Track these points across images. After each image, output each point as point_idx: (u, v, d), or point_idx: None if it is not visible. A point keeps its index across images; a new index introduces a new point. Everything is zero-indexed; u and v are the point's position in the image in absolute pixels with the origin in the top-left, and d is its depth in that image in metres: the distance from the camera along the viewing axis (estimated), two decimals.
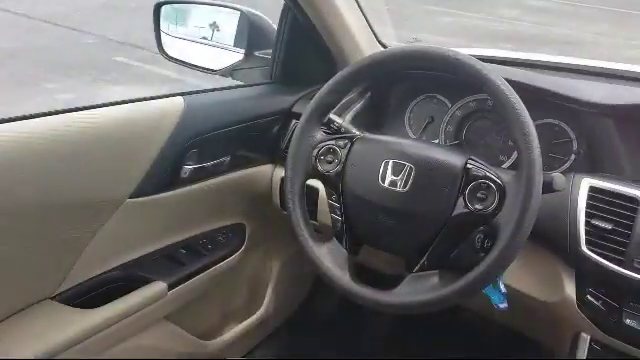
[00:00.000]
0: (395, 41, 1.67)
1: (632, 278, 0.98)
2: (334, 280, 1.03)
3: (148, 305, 1.26)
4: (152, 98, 1.22)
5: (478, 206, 0.96)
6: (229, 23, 1.51)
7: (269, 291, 1.69)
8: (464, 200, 0.97)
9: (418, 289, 0.98)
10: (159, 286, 1.27)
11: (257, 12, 1.48)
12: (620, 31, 7.32)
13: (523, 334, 1.38)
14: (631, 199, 1.01)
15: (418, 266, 1.00)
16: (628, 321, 1.01)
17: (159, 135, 1.19)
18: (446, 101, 1.37)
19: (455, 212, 0.97)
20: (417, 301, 0.96)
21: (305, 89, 1.46)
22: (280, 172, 1.43)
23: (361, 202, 1.06)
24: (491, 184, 0.96)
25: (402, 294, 0.98)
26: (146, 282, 1.27)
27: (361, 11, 1.40)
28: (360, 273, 1.06)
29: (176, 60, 1.57)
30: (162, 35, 1.56)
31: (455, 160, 1.00)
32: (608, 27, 7.62)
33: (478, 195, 0.96)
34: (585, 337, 1.09)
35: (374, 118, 1.43)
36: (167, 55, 1.57)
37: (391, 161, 1.03)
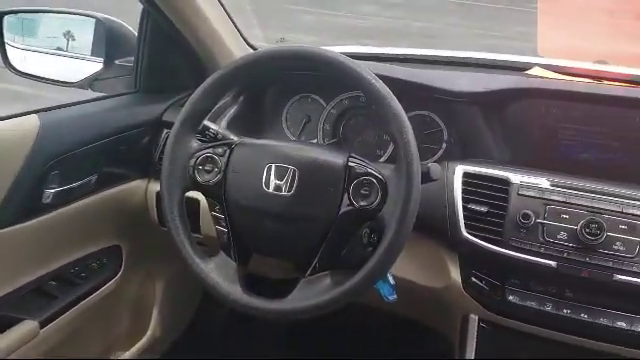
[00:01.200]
0: (263, 42, 1.64)
1: (511, 256, 1.03)
2: (224, 295, 0.99)
3: (18, 347, 1.13)
4: (1, 118, 1.10)
5: (363, 203, 0.96)
6: (85, 31, 1.41)
7: (155, 314, 1.60)
8: (349, 198, 0.97)
9: (310, 293, 0.96)
10: (29, 325, 1.15)
11: (114, 18, 1.39)
12: (469, 22, 7.86)
13: (413, 321, 1.42)
14: (502, 181, 1.07)
15: (310, 269, 0.98)
16: (511, 298, 1.06)
17: (12, 159, 1.07)
18: (321, 100, 1.37)
19: (341, 211, 0.97)
20: (310, 305, 0.94)
21: (174, 96, 1.39)
22: (155, 186, 1.35)
23: (246, 210, 1.02)
24: (373, 180, 0.96)
25: (295, 300, 0.96)
26: (14, 322, 1.14)
27: (227, 13, 1.36)
28: (253, 283, 1.02)
29: (27, 75, 1.43)
30: (8, 48, 1.41)
31: (337, 159, 0.99)
32: (457, 19, 8.14)
33: (362, 192, 0.97)
34: (474, 318, 1.14)
35: (251, 122, 1.39)
36: (15, 70, 1.43)
37: (274, 165, 1.00)
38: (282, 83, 1.38)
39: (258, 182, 1.00)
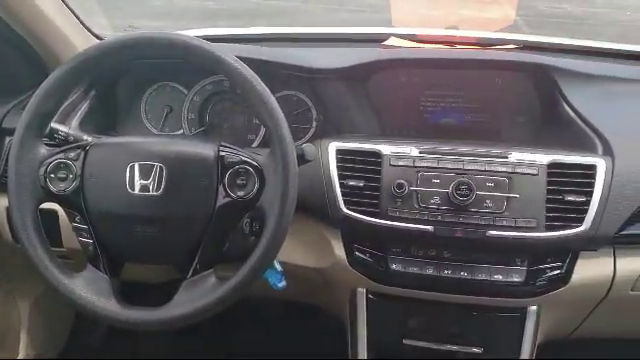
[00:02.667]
0: (110, 31, 1.51)
1: (390, 226, 1.04)
2: (98, 312, 0.90)
3: None
4: None
5: (240, 193, 0.92)
6: None
7: (23, 338, 1.45)
8: (225, 190, 0.92)
9: (196, 295, 0.91)
10: None
11: None
12: None
13: (304, 304, 1.41)
14: (374, 154, 1.07)
15: (191, 270, 0.92)
16: (394, 266, 1.08)
17: None
18: (181, 88, 1.29)
19: (218, 204, 0.92)
20: (197, 308, 0.89)
21: (12, 99, 1.24)
22: (3, 201, 1.20)
23: (111, 217, 0.93)
24: (249, 168, 0.92)
25: (179, 305, 0.90)
26: None
27: (66, 4, 1.22)
28: (132, 293, 0.94)
29: None
30: None
31: (206, 150, 0.94)
32: None
33: (238, 182, 0.92)
34: (361, 291, 1.15)
35: (107, 119, 1.28)
36: None
37: (137, 164, 0.92)
38: (136, 73, 1.28)
39: (121, 184, 0.92)
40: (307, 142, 1.17)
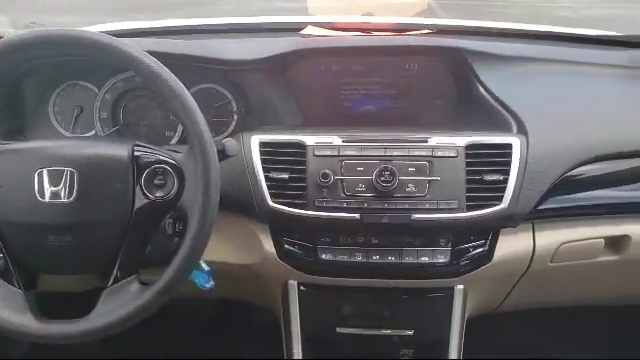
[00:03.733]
0: (11, 29, 1.42)
1: (317, 217, 1.04)
2: (13, 330, 0.85)
3: None
4: None
5: (159, 193, 0.89)
6: None
7: None
8: (142, 191, 0.89)
9: (118, 303, 0.87)
10: None
11: None
12: None
13: (236, 302, 1.39)
14: (298, 145, 1.06)
15: (112, 278, 0.88)
16: (324, 256, 1.08)
17: None
18: (91, 86, 1.23)
19: (136, 207, 0.89)
20: (120, 317, 0.86)
21: None
22: None
23: (22, 227, 0.88)
24: (166, 167, 0.89)
25: (101, 315, 0.87)
26: None
27: None
28: (50, 305, 0.89)
29: None
30: None
31: (120, 150, 0.90)
32: None
33: (156, 182, 0.89)
34: (293, 283, 1.14)
35: (11, 124, 1.20)
36: None
37: (46, 170, 0.87)
38: (41, 73, 1.20)
39: (30, 192, 0.86)
40: (229, 136, 1.15)
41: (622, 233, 1.15)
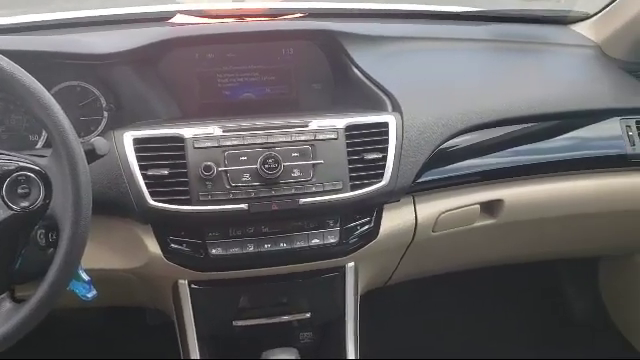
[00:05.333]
0: None
1: (203, 211, 1.01)
2: None
3: None
4: None
5: (24, 203, 0.82)
6: None
7: None
8: (4, 202, 0.81)
9: None
10: None
11: None
12: None
13: (127, 308, 1.33)
14: (176, 138, 1.02)
15: None
16: (214, 251, 1.05)
17: None
18: None
19: None
20: None
21: None
22: None
23: None
24: (30, 174, 0.82)
25: None
26: None
27: None
28: None
29: None
30: None
31: None
32: None
33: (19, 191, 0.82)
34: (183, 283, 1.11)
35: None
36: None
37: None
38: None
39: None
40: (100, 135, 1.08)
41: (496, 198, 1.23)
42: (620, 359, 1.66)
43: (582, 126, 1.28)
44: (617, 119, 1.27)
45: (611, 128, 1.27)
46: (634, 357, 1.62)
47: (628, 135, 1.26)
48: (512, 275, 1.73)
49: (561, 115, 1.24)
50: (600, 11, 1.45)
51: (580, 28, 1.49)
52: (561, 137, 1.27)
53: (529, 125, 1.24)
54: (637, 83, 1.33)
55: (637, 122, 1.27)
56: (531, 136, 1.25)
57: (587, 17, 1.49)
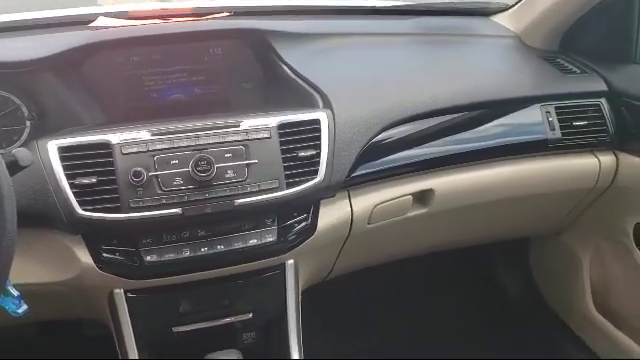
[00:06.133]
0: None
1: (136, 218, 0.99)
2: None
3: None
4: None
5: None
6: None
7: None
8: None
9: None
10: None
11: None
12: None
13: (62, 322, 1.29)
14: (103, 145, 1.00)
15: None
16: (149, 258, 1.03)
17: None
18: None
19: None
20: None
21: None
22: None
23: None
24: None
25: None
26: None
27: None
28: None
29: None
30: None
31: None
32: None
33: None
34: (119, 292, 1.08)
35: None
36: None
37: None
38: None
39: None
40: (23, 145, 1.05)
41: (427, 188, 1.26)
42: (554, 337, 1.74)
43: (506, 114, 1.32)
44: (537, 106, 1.32)
45: (533, 115, 1.32)
46: (569, 335, 1.70)
47: (548, 121, 1.32)
48: (448, 261, 1.79)
49: (485, 104, 1.28)
50: (518, 2, 1.51)
51: (500, 19, 1.55)
52: (486, 126, 1.31)
53: (456, 115, 1.28)
54: (554, 70, 1.40)
55: (556, 108, 1.33)
56: (458, 126, 1.28)
57: (507, 8, 1.55)
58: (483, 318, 1.89)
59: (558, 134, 1.32)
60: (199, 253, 1.05)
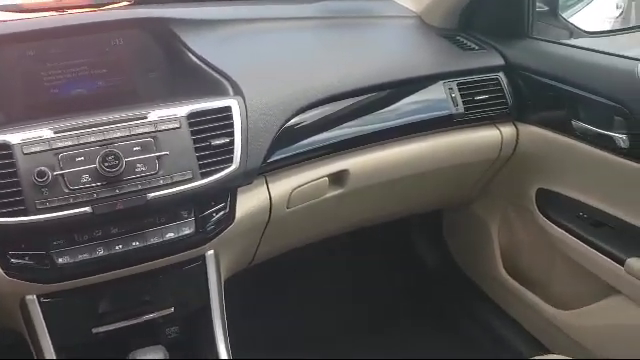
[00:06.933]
0: None
1: (43, 220, 0.94)
2: None
3: None
4: None
5: None
6: None
7: None
8: None
9: None
10: None
11: None
12: None
13: None
14: (2, 146, 0.95)
15: None
16: (61, 260, 0.99)
17: None
18: None
19: None
20: None
21: None
22: None
23: None
24: None
25: None
26: None
27: None
28: None
29: None
30: None
31: None
32: None
33: None
34: (31, 298, 1.03)
35: None
36: None
37: None
38: None
39: None
40: None
41: (342, 169, 1.29)
42: (470, 302, 1.84)
43: (411, 93, 1.37)
44: (440, 83, 1.37)
45: (437, 92, 1.37)
46: (483, 298, 1.79)
47: (451, 97, 1.37)
48: (369, 237, 1.84)
49: (391, 84, 1.32)
50: None
51: (402, 0, 1.59)
52: (395, 105, 1.35)
53: (365, 97, 1.30)
54: (454, 48, 1.46)
55: (458, 84, 1.39)
56: (368, 107, 1.31)
57: None
58: (405, 290, 1.96)
59: (461, 109, 1.38)
60: (114, 251, 1.02)
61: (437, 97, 1.37)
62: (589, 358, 1.38)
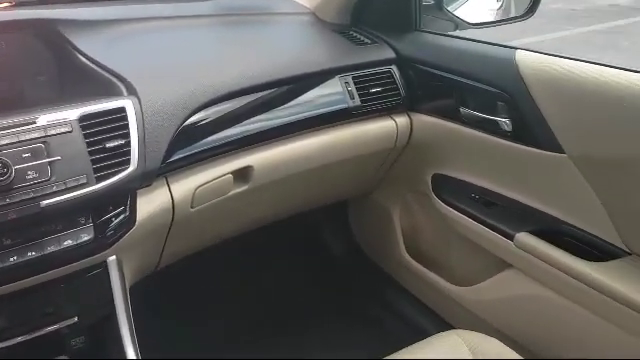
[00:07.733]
0: None
1: None
2: None
3: None
4: None
5: None
6: None
7: None
8: None
9: None
10: None
11: None
12: None
13: None
14: None
15: None
16: None
17: None
18: None
19: None
20: None
21: None
22: None
23: None
24: None
25: None
26: None
27: None
28: None
29: None
30: None
31: None
32: None
33: None
34: None
35: None
36: None
37: None
38: None
39: None
40: None
41: (245, 165, 1.29)
42: (376, 285, 1.91)
43: (309, 88, 1.40)
44: (337, 77, 1.42)
45: (333, 86, 1.41)
46: (388, 281, 1.87)
47: (348, 90, 1.42)
48: (277, 232, 1.85)
49: (288, 80, 1.34)
50: None
51: None
52: (294, 101, 1.37)
53: (264, 93, 1.32)
54: (348, 43, 1.50)
55: (353, 78, 1.43)
56: (268, 103, 1.32)
57: None
58: (315, 279, 2.00)
59: (358, 102, 1.43)
60: (8, 263, 0.97)
61: (334, 91, 1.41)
62: (488, 330, 1.48)
